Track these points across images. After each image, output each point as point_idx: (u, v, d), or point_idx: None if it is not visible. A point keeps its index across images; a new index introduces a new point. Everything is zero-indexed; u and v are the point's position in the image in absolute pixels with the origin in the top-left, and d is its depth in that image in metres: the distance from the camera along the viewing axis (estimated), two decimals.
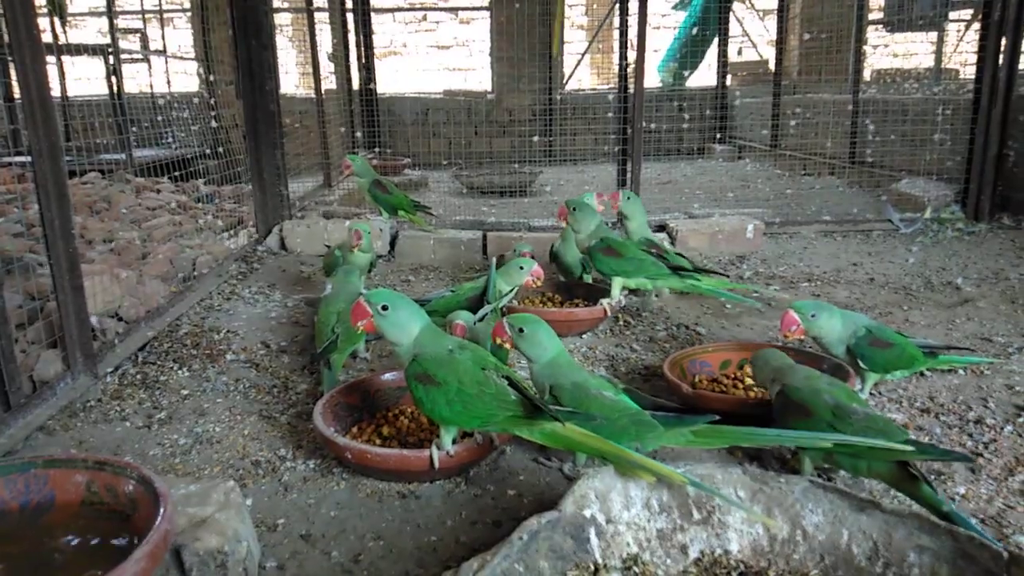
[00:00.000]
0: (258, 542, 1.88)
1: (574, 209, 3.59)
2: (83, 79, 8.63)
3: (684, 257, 3.80)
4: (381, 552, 1.91)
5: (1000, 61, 5.45)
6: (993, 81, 5.48)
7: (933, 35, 7.88)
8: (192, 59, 9.80)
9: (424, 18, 13.62)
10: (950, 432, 2.45)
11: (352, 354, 3.16)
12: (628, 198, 3.87)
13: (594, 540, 1.70)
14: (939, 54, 7.78)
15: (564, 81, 10.73)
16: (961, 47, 6.89)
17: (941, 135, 6.05)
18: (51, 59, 7.02)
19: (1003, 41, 5.43)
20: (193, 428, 2.59)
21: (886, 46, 8.56)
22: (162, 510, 1.53)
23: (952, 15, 7.52)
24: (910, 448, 1.91)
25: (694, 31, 9.75)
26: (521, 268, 3.15)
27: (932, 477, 2.14)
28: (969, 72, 5.93)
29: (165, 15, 11.14)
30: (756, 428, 2.08)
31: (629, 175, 5.44)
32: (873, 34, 8.15)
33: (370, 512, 2.08)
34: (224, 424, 2.62)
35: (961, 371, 2.91)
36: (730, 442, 2.12)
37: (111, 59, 7.53)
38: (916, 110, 6.53)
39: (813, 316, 2.58)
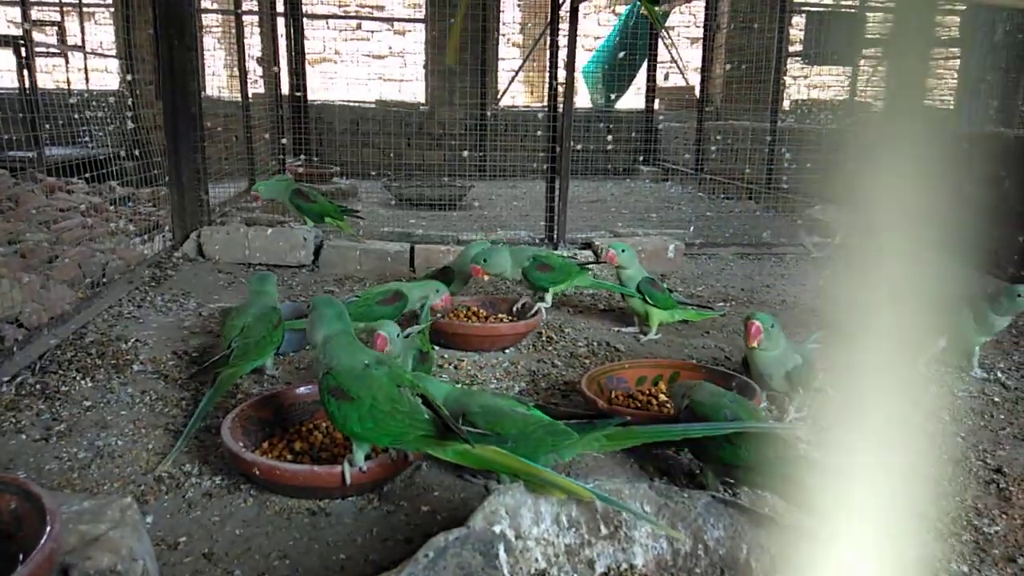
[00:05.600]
0: (156, 561, 1.81)
1: (485, 260, 3.66)
2: None
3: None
4: (287, 571, 1.86)
5: None
6: None
7: (848, 69, 8.28)
8: (113, 56, 9.46)
9: (358, 27, 13.49)
10: None
11: (258, 370, 3.05)
12: (623, 251, 3.74)
13: (503, 556, 1.70)
14: (853, 88, 8.18)
15: (498, 97, 10.81)
16: (872, 82, 7.27)
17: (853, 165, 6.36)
18: None
19: None
20: (94, 441, 2.48)
21: (805, 77, 8.96)
22: (48, 528, 1.46)
23: (865, 51, 7.93)
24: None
25: (621, 54, 9.96)
26: (437, 291, 3.33)
27: None
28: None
29: (85, 9, 10.70)
30: (663, 425, 2.23)
31: (557, 192, 5.51)
32: (793, 66, 8.52)
33: (277, 530, 2.03)
34: (127, 438, 2.52)
35: None
36: (641, 440, 2.21)
37: (24, 51, 7.18)
38: (830, 140, 6.85)
39: (772, 327, 2.64)
